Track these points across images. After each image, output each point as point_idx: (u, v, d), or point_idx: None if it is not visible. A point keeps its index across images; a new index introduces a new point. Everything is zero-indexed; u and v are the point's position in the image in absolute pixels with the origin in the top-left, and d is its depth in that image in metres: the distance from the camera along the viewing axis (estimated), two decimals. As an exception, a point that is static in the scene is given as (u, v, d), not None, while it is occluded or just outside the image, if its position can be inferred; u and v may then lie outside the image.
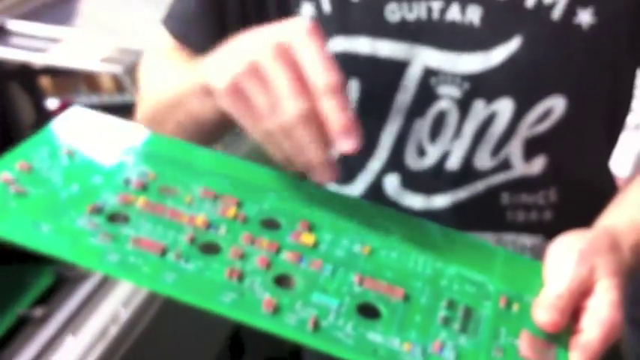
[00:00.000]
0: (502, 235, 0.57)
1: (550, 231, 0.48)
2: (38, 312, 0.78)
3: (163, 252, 0.41)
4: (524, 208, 0.56)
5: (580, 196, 0.57)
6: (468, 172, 0.55)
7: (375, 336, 0.39)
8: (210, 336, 0.96)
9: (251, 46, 0.43)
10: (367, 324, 0.40)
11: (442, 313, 0.41)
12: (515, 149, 0.55)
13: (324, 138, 0.41)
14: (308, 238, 0.44)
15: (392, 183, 0.57)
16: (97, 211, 0.43)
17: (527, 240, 0.57)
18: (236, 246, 0.42)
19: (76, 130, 0.50)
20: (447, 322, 0.41)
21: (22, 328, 0.77)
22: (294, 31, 0.43)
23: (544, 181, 0.56)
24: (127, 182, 0.46)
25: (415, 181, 0.57)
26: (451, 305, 0.42)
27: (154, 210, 0.44)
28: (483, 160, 0.55)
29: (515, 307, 0.43)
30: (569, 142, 0.56)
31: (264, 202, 0.47)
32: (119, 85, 1.46)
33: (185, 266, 0.40)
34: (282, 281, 0.41)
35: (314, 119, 0.41)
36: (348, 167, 0.59)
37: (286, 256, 0.43)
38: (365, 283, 0.42)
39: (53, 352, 0.74)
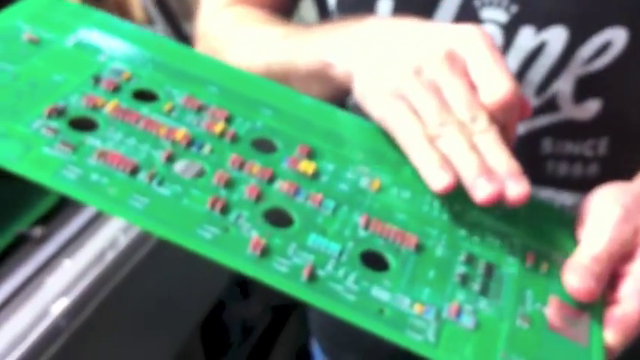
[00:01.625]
0: (539, 189, 0.49)
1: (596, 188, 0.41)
2: (37, 232, 0.75)
3: (134, 170, 0.34)
4: (568, 159, 0.48)
5: (633, 150, 0.50)
6: None
7: (380, 292, 0.33)
8: (214, 273, 0.91)
9: (416, 50, 0.38)
10: (372, 277, 0.33)
11: (460, 269, 0.35)
12: (564, 88, 0.47)
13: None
14: (307, 167, 0.37)
15: None
16: (57, 113, 0.35)
17: (568, 198, 0.50)
18: (222, 170, 0.35)
19: (44, 15, 0.41)
20: (465, 280, 0.35)
21: (19, 247, 0.73)
22: (468, 38, 0.37)
23: (594, 129, 0.48)
24: (96, 81, 0.38)
25: None
26: (470, 260, 0.36)
27: (125, 117, 0.36)
28: (527, 97, 0.47)
29: (544, 267, 0.37)
30: (627, 84, 0.48)
31: (258, 118, 0.39)
32: (150, 18, 1.36)
33: (159, 190, 0.33)
34: (273, 217, 0.34)
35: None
36: None
37: (280, 186, 0.36)
38: (372, 226, 0.35)
39: (49, 273, 0.71)
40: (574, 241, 0.38)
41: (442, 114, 0.36)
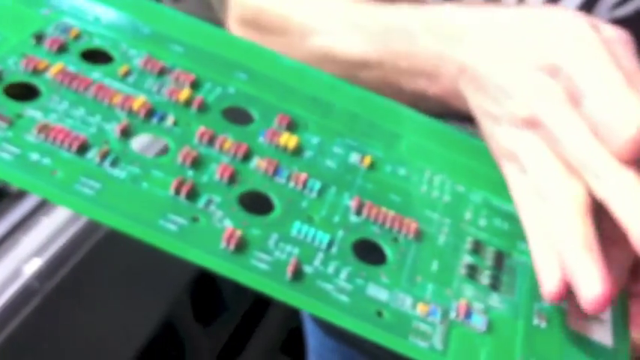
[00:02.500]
0: None
1: None
2: (14, 187, 0.69)
3: (82, 148, 0.28)
4: None
5: None
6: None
7: (377, 291, 0.28)
8: None
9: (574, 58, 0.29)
10: (367, 272, 0.28)
11: (466, 259, 0.30)
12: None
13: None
14: (288, 140, 0.32)
15: None
16: (-10, 78, 0.30)
17: None
18: (188, 146, 0.30)
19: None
20: (473, 272, 0.30)
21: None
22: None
23: None
24: (38, 39, 0.32)
25: None
26: (478, 248, 0.31)
27: (72, 83, 0.30)
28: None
29: None
30: None
31: (230, 84, 0.34)
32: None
33: (113, 172, 0.28)
34: (250, 202, 0.29)
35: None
36: None
37: (257, 164, 0.30)
38: (365, 210, 0.30)
39: (24, 232, 0.66)
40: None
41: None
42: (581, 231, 0.27)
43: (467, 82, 0.33)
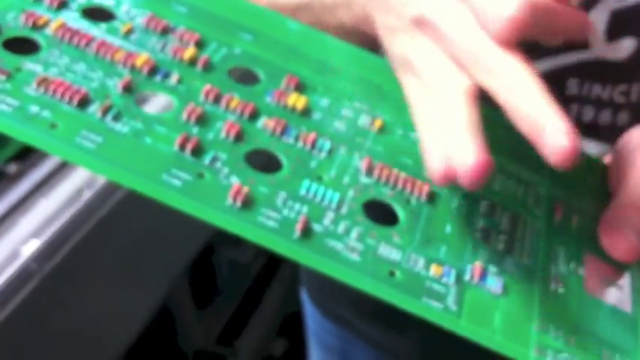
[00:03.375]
0: None
1: None
2: (12, 168, 0.69)
3: (83, 102, 0.27)
4: (596, 103, 0.42)
5: None
6: (530, 47, 0.41)
7: (389, 251, 0.27)
8: (200, 224, 0.83)
9: None
10: (379, 232, 0.27)
11: (481, 222, 0.29)
12: (596, 23, 0.40)
13: None
14: (297, 101, 0.31)
15: None
16: (-12, 32, 0.29)
17: (593, 147, 0.44)
18: (193, 103, 0.29)
19: None
20: (487, 236, 0.29)
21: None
22: None
23: (627, 72, 0.42)
24: (37, -4, 0.31)
25: None
26: (492, 211, 0.30)
27: (73, 38, 0.29)
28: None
29: (575, 221, 0.31)
30: None
31: (235, 44, 0.33)
32: None
33: (115, 126, 0.27)
34: (257, 160, 0.28)
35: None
36: None
37: (265, 123, 0.29)
38: (376, 171, 0.29)
39: (22, 213, 0.65)
40: (608, 191, 0.33)
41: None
42: (464, 114, 0.26)
43: (374, 3, 0.33)
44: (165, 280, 0.83)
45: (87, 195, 0.67)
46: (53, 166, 0.70)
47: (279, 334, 1.23)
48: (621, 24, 0.40)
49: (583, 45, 0.41)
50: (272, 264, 1.23)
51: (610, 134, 0.36)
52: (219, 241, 1.06)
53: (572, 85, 0.42)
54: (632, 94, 0.42)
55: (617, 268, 0.30)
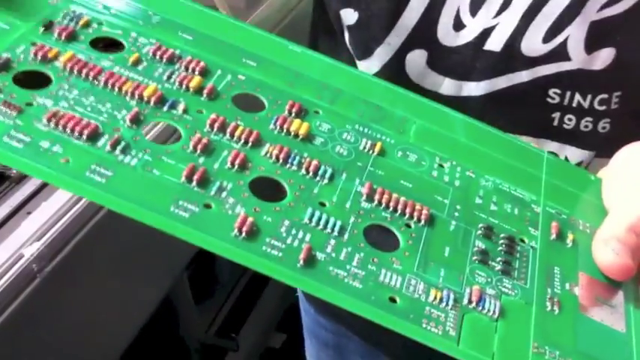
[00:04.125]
0: (543, 142, 0.44)
1: (604, 148, 0.36)
2: (14, 171, 0.69)
3: (93, 135, 0.28)
4: (577, 112, 0.43)
5: None
6: (511, 56, 0.42)
7: (390, 277, 0.28)
8: None
9: None
10: (379, 258, 0.28)
11: (478, 244, 0.30)
12: (576, 35, 0.41)
13: None
14: (299, 127, 0.32)
15: (416, 60, 0.44)
16: (0, 67, 0.29)
17: (574, 153, 0.45)
18: (199, 133, 0.30)
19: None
20: (485, 258, 0.30)
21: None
22: None
23: (606, 82, 0.43)
24: (46, 28, 0.32)
25: (446, 61, 0.43)
26: (489, 234, 0.31)
27: (82, 71, 0.30)
28: (534, 43, 0.41)
29: (570, 239, 0.32)
30: None
31: (239, 71, 0.34)
32: None
33: (124, 159, 0.28)
34: (261, 189, 0.29)
35: None
36: (363, 38, 0.45)
37: (268, 150, 0.30)
38: (376, 196, 0.30)
39: (24, 216, 0.65)
40: (602, 208, 0.34)
41: None
42: None
43: None
44: (165, 277, 0.84)
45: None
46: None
47: (278, 329, 1.25)
48: (600, 35, 0.41)
49: (563, 56, 0.42)
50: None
51: (592, 141, 0.37)
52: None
53: (554, 96, 0.43)
54: (612, 102, 0.43)
55: (611, 286, 0.31)
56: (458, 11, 0.42)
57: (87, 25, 0.33)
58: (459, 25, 0.42)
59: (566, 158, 0.44)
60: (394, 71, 0.44)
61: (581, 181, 0.36)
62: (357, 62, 0.46)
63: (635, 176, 0.33)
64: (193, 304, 1.02)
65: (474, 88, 0.44)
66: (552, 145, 0.44)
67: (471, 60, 0.43)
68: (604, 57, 0.42)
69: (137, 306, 0.80)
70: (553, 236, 0.32)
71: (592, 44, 0.41)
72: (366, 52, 0.45)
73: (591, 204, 0.34)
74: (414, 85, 0.44)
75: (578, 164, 0.44)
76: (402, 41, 0.43)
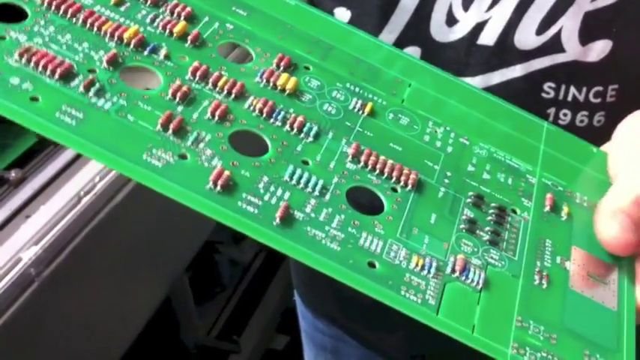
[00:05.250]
0: None
1: (599, 143, 0.35)
2: (13, 175, 0.68)
3: (66, 75, 0.26)
4: (572, 106, 0.41)
5: None
6: (505, 50, 0.40)
7: (371, 241, 0.26)
8: (199, 223, 0.84)
9: None
10: (361, 221, 0.27)
11: (467, 213, 0.29)
12: (570, 27, 0.39)
13: None
14: (287, 82, 0.30)
15: None
16: (-27, -1, 0.28)
17: None
18: (179, 80, 0.28)
19: None
20: (472, 227, 0.28)
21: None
22: None
23: (601, 74, 0.41)
24: (26, -39, 0.30)
25: (439, 57, 0.42)
26: (479, 203, 0.29)
27: (61, 7, 0.29)
28: (527, 36, 0.40)
29: (564, 212, 0.31)
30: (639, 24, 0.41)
31: (228, 19, 0.32)
32: None
33: (98, 102, 0.26)
34: (241, 142, 0.28)
35: None
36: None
37: (252, 103, 0.29)
38: (363, 157, 0.29)
39: (23, 219, 0.64)
40: (605, 180, 0.32)
41: None
42: None
43: None
44: (165, 279, 0.83)
45: (86, 201, 0.67)
46: (53, 172, 0.70)
47: (279, 331, 1.24)
48: (595, 26, 0.39)
49: (557, 49, 0.40)
50: (273, 261, 1.23)
51: (587, 136, 0.35)
52: (220, 240, 1.06)
53: (549, 89, 0.41)
54: (607, 95, 0.41)
55: (606, 263, 0.29)
56: (450, 6, 0.41)
57: (70, -39, 0.31)
58: (451, 20, 0.41)
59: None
60: None
61: (583, 153, 0.34)
62: None
63: (638, 147, 0.31)
64: (194, 307, 1.01)
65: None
66: None
67: (464, 55, 0.41)
68: (599, 49, 0.40)
69: (136, 309, 0.79)
70: (547, 208, 0.30)
71: (586, 35, 0.40)
72: None
73: (592, 177, 0.33)
74: None
75: None
76: (396, 38, 0.42)
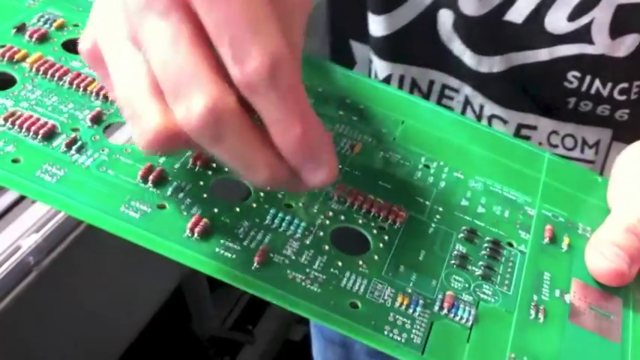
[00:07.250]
0: (559, 123, 0.42)
1: (622, 132, 0.33)
2: None
3: (49, 135, 0.27)
4: (595, 99, 0.40)
5: None
6: (532, 32, 0.39)
7: (354, 281, 0.26)
8: None
9: None
10: (345, 261, 0.26)
11: (458, 248, 0.28)
12: (601, 17, 0.38)
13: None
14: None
15: (445, 21, 0.41)
16: (-35, 69, 0.29)
17: (592, 133, 0.42)
18: (162, 132, 0.29)
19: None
20: (463, 262, 0.28)
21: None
22: None
23: (628, 70, 0.40)
24: (19, 30, 0.32)
25: (467, 29, 0.41)
26: (472, 237, 0.29)
27: (48, 72, 0.30)
28: (557, 21, 0.39)
29: (565, 243, 0.30)
30: None
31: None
32: None
33: (79, 159, 0.27)
34: (224, 188, 0.28)
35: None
36: None
37: None
38: (348, 197, 0.28)
39: (23, 207, 0.64)
40: (605, 210, 0.31)
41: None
42: None
43: None
44: (178, 267, 0.82)
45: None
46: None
47: (299, 320, 1.21)
48: (626, 20, 0.38)
49: (585, 39, 0.39)
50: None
51: (609, 123, 0.34)
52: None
53: (573, 79, 0.40)
54: (632, 92, 0.40)
55: (609, 295, 0.28)
56: None
57: (61, 26, 0.32)
58: None
59: (583, 140, 0.42)
60: (425, 26, 0.42)
61: (586, 182, 0.33)
62: (373, 17, 0.43)
63: (635, 179, 0.30)
64: (209, 294, 0.99)
65: (490, 64, 0.41)
66: (568, 126, 0.42)
67: (490, 31, 0.40)
68: (628, 43, 0.39)
69: (144, 299, 0.78)
70: (546, 240, 0.29)
71: (617, 29, 0.38)
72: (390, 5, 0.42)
73: (595, 207, 0.32)
74: (442, 47, 0.42)
75: (596, 144, 0.41)
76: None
